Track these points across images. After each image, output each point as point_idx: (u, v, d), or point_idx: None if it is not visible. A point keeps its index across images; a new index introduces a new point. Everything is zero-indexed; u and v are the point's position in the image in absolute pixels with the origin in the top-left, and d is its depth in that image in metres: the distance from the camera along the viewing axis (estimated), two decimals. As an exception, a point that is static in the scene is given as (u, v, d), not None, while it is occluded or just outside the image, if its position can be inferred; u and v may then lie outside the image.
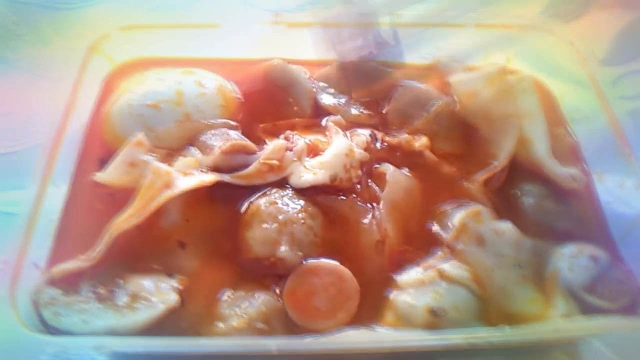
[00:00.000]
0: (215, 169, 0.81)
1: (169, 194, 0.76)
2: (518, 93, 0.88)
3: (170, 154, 0.85)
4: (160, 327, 0.70)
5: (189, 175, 0.79)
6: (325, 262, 0.76)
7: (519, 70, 0.97)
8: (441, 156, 0.89)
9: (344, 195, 0.82)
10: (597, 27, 1.23)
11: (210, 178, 0.79)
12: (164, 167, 0.79)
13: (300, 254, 0.76)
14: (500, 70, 0.90)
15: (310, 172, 0.82)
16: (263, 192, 0.81)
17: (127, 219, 0.75)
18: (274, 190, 0.81)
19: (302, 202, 0.80)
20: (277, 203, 0.79)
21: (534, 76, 0.95)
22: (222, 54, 1.02)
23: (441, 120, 0.93)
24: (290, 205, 0.79)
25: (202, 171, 0.81)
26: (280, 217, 0.77)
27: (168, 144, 0.87)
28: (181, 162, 0.82)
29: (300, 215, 0.78)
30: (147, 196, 0.76)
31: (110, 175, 0.82)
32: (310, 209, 0.80)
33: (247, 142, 0.84)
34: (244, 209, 0.80)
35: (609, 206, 0.87)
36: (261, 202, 0.80)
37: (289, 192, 0.81)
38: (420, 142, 0.88)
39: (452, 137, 0.92)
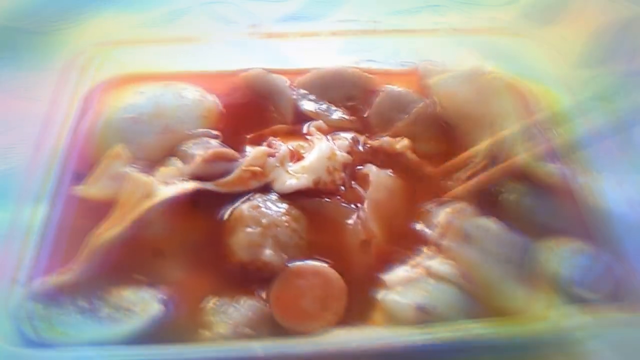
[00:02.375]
0: (196, 177, 0.81)
1: (148, 202, 0.75)
2: (493, 92, 0.89)
3: (151, 165, 0.84)
4: (145, 337, 0.69)
5: (170, 184, 0.78)
6: (310, 263, 0.76)
7: (494, 71, 0.98)
8: (422, 156, 0.89)
9: (327, 198, 0.82)
10: (570, 30, 1.25)
11: (191, 186, 0.78)
12: (143, 177, 0.79)
13: (285, 256, 0.75)
14: (476, 71, 0.91)
15: (294, 177, 0.82)
16: (246, 197, 0.81)
17: (107, 230, 0.74)
18: (257, 195, 0.81)
19: (285, 205, 0.80)
20: (260, 207, 0.79)
21: (509, 77, 0.96)
22: (203, 67, 1.02)
23: (421, 122, 0.93)
24: (273, 208, 0.79)
25: (183, 180, 0.80)
26: (264, 221, 0.77)
27: (149, 155, 0.86)
28: (161, 171, 0.81)
29: (283, 217, 0.78)
30: (126, 206, 0.75)
31: (91, 188, 0.81)
32: (293, 211, 0.80)
33: (228, 150, 0.84)
34: (227, 215, 0.80)
35: (588, 201, 0.87)
36: (244, 206, 0.79)
37: (272, 196, 0.81)
38: (402, 144, 0.88)
39: (432, 138, 0.92)
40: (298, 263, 0.76)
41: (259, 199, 0.80)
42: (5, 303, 0.70)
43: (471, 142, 0.89)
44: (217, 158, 0.82)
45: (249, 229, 0.76)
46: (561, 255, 0.77)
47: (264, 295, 0.74)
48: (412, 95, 0.97)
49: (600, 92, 0.95)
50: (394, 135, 0.91)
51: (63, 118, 0.90)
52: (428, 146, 0.91)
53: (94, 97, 0.97)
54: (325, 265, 0.76)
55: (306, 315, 0.71)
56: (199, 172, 0.81)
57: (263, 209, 0.78)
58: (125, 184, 0.78)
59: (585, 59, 1.16)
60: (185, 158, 0.85)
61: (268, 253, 0.75)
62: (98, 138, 0.88)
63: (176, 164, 0.84)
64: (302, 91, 0.97)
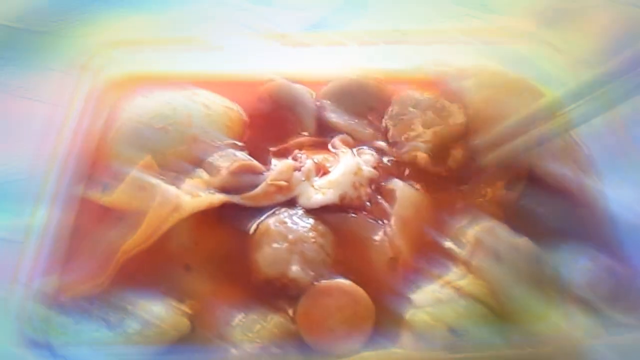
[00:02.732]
0: (223, 190, 0.80)
1: (176, 215, 0.74)
2: (523, 101, 0.88)
3: (178, 176, 0.83)
4: (172, 353, 0.68)
5: (197, 197, 0.78)
6: (338, 281, 0.75)
7: (513, 75, 0.97)
8: (446, 162, 0.88)
9: (353, 213, 0.81)
10: (589, 37, 1.24)
11: (219, 199, 0.78)
12: (172, 189, 0.78)
13: (312, 273, 0.74)
14: (494, 74, 0.90)
15: (319, 192, 0.81)
16: (272, 211, 0.80)
17: (134, 243, 0.73)
18: (283, 210, 0.80)
19: (311, 221, 0.79)
20: (286, 222, 0.78)
21: (529, 80, 0.95)
22: (224, 73, 1.00)
23: (443, 117, 0.92)
24: (300, 223, 0.78)
25: (209, 192, 0.79)
26: (290, 236, 0.76)
27: (175, 165, 0.85)
28: (188, 183, 0.81)
29: (310, 233, 0.77)
30: (155, 219, 0.75)
31: (117, 197, 0.80)
32: (320, 227, 0.79)
33: (254, 162, 0.84)
34: (252, 229, 0.79)
35: (620, 216, 0.86)
36: (270, 221, 0.78)
37: (298, 210, 0.80)
38: (420, 156, 0.87)
39: (455, 143, 0.91)
40: (326, 281, 0.75)
41: (285, 214, 0.79)
42: (29, 318, 0.69)
43: (500, 155, 0.88)
44: (244, 171, 0.81)
45: (275, 245, 0.75)
46: (594, 275, 0.76)
47: (290, 312, 0.73)
48: (431, 100, 0.95)
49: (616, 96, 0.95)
50: (415, 139, 0.90)
51: (70, 120, 0.89)
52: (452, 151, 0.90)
53: (102, 99, 0.95)
54: (353, 283, 0.75)
55: (334, 336, 0.71)
56: (225, 184, 0.80)
57: (289, 224, 0.78)
58: (153, 196, 0.77)
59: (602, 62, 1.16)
60: (211, 169, 0.84)
61: (295, 269, 0.74)
62: (123, 146, 0.87)
63: (202, 175, 0.83)
64: (325, 102, 0.96)
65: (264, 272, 0.75)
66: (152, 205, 0.76)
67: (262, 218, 0.79)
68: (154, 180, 0.80)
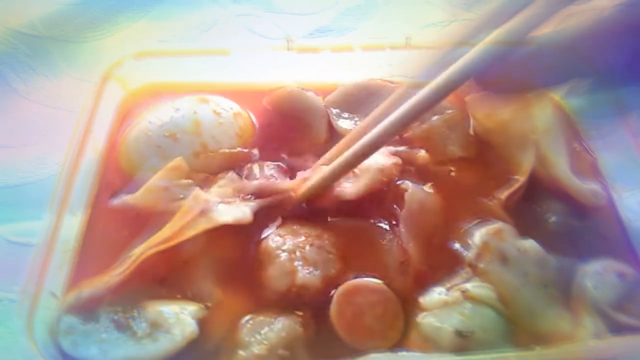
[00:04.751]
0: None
1: (206, 223, 0.75)
2: (535, 110, 0.87)
3: (208, 178, 0.85)
4: (181, 356, 0.69)
5: (228, 204, 0.79)
6: (364, 280, 0.76)
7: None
8: (452, 161, 0.90)
9: (362, 216, 0.82)
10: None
11: (249, 212, 0.79)
12: (203, 193, 0.79)
13: (318, 272, 0.75)
14: None
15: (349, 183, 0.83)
16: (269, 231, 0.81)
17: (158, 243, 0.74)
18: (277, 224, 0.81)
19: (306, 228, 0.80)
20: (282, 234, 0.79)
21: (549, 93, 0.94)
22: (234, 79, 1.02)
23: (454, 126, 0.93)
24: (294, 231, 0.79)
25: (242, 198, 0.81)
26: (287, 246, 0.77)
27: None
28: (216, 190, 0.82)
29: (304, 238, 0.78)
30: (182, 221, 0.75)
31: (142, 197, 0.81)
32: (313, 230, 0.80)
33: (280, 185, 0.84)
34: (254, 250, 0.80)
35: (631, 223, 0.85)
36: (268, 238, 0.79)
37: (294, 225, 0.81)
38: (421, 155, 0.88)
39: (464, 143, 0.92)
40: (352, 281, 0.76)
41: (282, 230, 0.80)
42: (42, 318, 0.70)
43: (509, 160, 0.88)
44: (270, 193, 0.82)
45: (276, 260, 0.76)
46: (604, 280, 0.76)
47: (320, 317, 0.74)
48: (447, 103, 0.96)
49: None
50: (425, 135, 0.91)
51: (96, 128, 0.90)
52: (459, 150, 0.91)
53: (129, 107, 0.98)
54: (378, 281, 0.76)
55: (371, 334, 0.72)
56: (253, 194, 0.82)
57: (285, 236, 0.79)
58: (185, 198, 0.78)
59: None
60: (238, 178, 0.85)
61: (301, 275, 0.74)
62: (135, 152, 0.89)
63: (229, 183, 0.84)
64: (334, 109, 0.97)
65: (275, 288, 0.75)
66: (181, 206, 0.77)
67: (262, 237, 0.80)
68: (182, 182, 0.82)
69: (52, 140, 1.01)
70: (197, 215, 0.76)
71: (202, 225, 0.75)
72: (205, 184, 0.84)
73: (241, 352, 0.69)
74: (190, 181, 0.83)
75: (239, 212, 0.78)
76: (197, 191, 0.79)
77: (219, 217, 0.76)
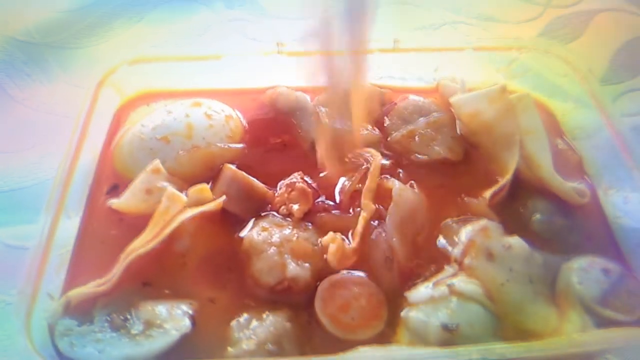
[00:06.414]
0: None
1: (182, 216, 0.77)
2: (519, 111, 0.89)
3: (186, 180, 0.87)
4: (174, 353, 0.70)
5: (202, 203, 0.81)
6: (348, 275, 0.78)
7: (519, 89, 0.99)
8: (439, 161, 0.92)
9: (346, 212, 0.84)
10: (594, 48, 1.25)
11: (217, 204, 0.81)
12: (176, 192, 0.81)
13: (307, 264, 0.77)
14: (500, 89, 0.90)
15: None
16: (252, 222, 0.83)
17: (142, 244, 0.76)
18: (261, 218, 0.84)
19: (288, 221, 0.82)
20: (267, 228, 0.81)
21: (533, 95, 0.95)
22: (227, 84, 1.04)
23: (439, 127, 0.95)
24: (278, 224, 0.81)
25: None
26: (274, 239, 0.79)
27: (180, 174, 0.88)
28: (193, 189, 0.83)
29: (290, 230, 0.80)
30: (162, 221, 0.78)
31: (126, 201, 0.83)
32: (299, 223, 0.82)
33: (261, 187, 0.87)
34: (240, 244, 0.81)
35: (615, 220, 0.87)
36: (252, 232, 0.81)
37: (275, 217, 0.83)
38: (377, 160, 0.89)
39: (450, 144, 0.94)
40: (336, 275, 0.77)
41: (264, 223, 0.82)
42: (40, 320, 0.72)
43: (494, 160, 0.90)
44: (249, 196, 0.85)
45: (264, 254, 0.78)
46: (589, 276, 0.78)
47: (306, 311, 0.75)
48: (433, 106, 0.99)
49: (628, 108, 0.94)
50: (410, 135, 0.94)
51: (91, 133, 0.91)
52: (445, 151, 0.93)
53: (124, 112, 1.00)
54: (362, 274, 0.78)
55: (356, 323, 0.74)
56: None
57: (270, 229, 0.80)
58: (162, 199, 0.80)
59: (611, 76, 1.17)
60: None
61: (291, 268, 0.76)
62: (129, 156, 0.91)
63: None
64: (324, 109, 0.98)
65: (265, 282, 0.76)
66: (159, 207, 0.79)
67: (245, 232, 0.82)
68: (162, 184, 0.84)
69: (48, 146, 1.02)
70: (176, 213, 0.78)
71: (180, 219, 0.78)
72: (183, 186, 0.85)
73: (230, 349, 0.71)
74: (170, 183, 0.85)
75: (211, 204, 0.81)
76: (170, 189, 0.81)
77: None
